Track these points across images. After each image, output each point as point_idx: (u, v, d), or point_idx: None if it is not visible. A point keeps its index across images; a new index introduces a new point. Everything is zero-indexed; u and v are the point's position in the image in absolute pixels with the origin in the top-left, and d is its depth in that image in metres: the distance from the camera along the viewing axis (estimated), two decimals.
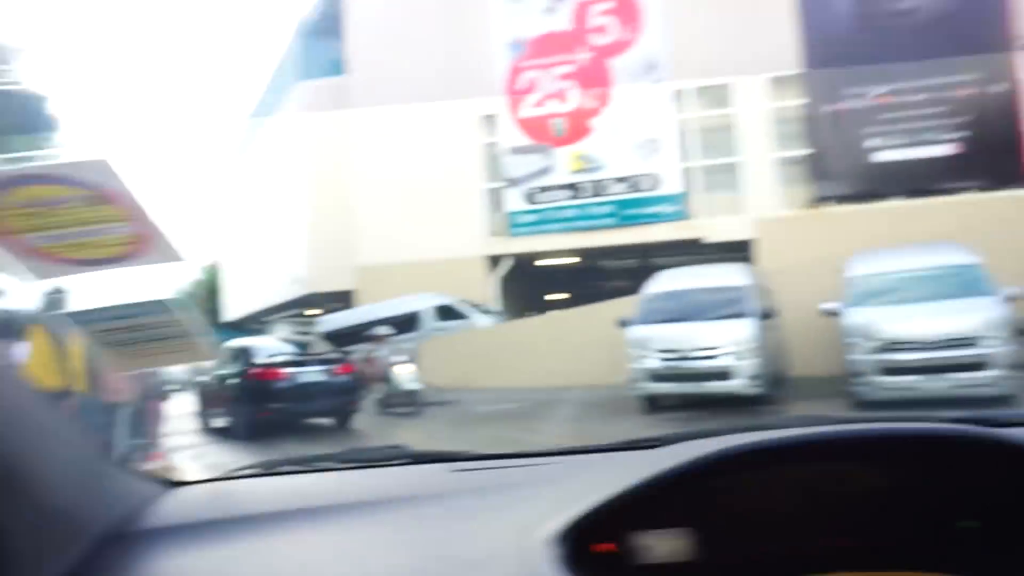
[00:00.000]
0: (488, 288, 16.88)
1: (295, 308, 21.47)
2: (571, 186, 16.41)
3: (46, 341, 3.24)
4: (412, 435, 9.12)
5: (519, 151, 16.66)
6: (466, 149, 16.87)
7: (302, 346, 13.73)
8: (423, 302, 15.34)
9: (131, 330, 1.31)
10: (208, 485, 1.23)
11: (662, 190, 15.85)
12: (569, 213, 16.44)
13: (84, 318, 1.40)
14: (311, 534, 1.01)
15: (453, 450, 1.44)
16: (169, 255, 1.22)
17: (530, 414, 10.04)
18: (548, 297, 19.25)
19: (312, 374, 8.88)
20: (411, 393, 10.31)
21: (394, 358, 10.70)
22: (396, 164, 16.52)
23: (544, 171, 16.55)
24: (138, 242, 1.13)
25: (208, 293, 31.99)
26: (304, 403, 8.63)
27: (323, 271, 18.21)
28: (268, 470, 1.37)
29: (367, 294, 16.81)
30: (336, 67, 18.39)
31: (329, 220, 17.89)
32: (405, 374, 10.46)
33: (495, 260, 17.08)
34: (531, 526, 0.93)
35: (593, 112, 16.15)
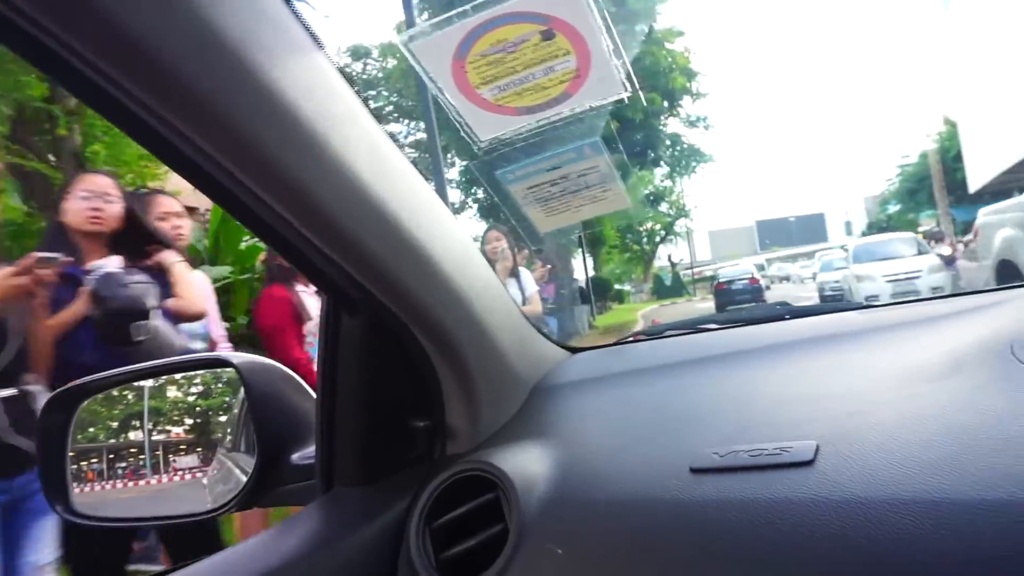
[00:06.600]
0: None
1: None
2: None
3: None
4: None
5: None
6: None
7: None
8: None
9: (557, 182, 1.24)
10: (604, 349, 1.28)
11: None
12: None
13: (511, 175, 1.24)
14: (710, 376, 0.99)
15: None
16: (611, 88, 1.00)
17: None
18: None
19: (738, 283, 21.51)
20: None
21: None
22: None
23: None
24: (578, 76, 0.98)
25: (948, 163, 28.08)
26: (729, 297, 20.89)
27: None
28: (654, 335, 1.33)
29: None
30: None
31: None
32: None
33: None
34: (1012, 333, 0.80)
35: None
